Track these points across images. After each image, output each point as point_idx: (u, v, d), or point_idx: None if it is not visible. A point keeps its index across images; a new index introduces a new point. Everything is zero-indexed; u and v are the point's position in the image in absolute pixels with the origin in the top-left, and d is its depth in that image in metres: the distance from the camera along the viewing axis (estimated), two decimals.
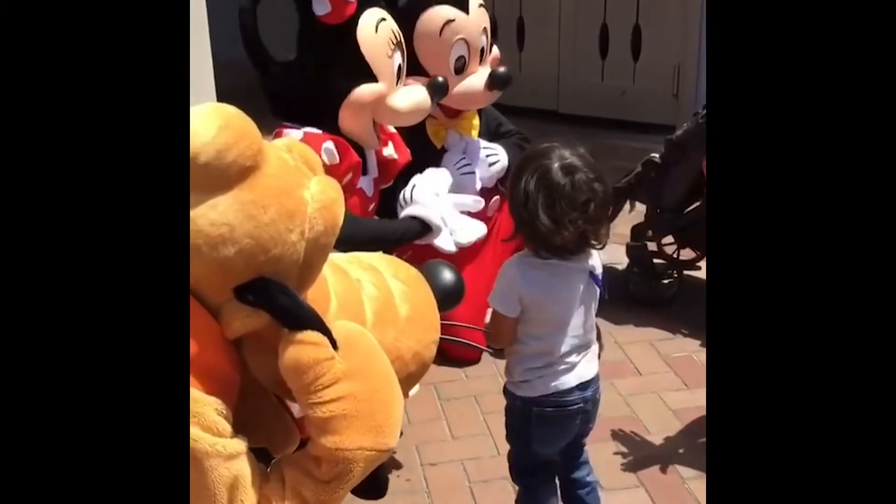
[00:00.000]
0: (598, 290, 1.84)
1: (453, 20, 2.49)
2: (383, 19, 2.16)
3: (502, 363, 2.68)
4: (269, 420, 1.54)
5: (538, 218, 1.70)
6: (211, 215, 1.28)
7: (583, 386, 1.85)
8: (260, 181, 1.32)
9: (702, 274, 3.04)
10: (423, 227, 2.22)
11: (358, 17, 2.11)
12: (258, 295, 1.33)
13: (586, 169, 1.73)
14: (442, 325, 1.66)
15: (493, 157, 2.66)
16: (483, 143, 2.70)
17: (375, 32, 2.13)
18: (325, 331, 1.35)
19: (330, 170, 2.04)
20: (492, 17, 4.84)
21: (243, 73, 2.39)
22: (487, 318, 1.87)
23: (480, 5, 2.58)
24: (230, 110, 1.35)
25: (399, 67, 2.21)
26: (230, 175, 1.29)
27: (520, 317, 1.80)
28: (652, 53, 4.68)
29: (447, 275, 1.72)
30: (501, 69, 2.60)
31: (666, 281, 3.05)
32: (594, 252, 1.82)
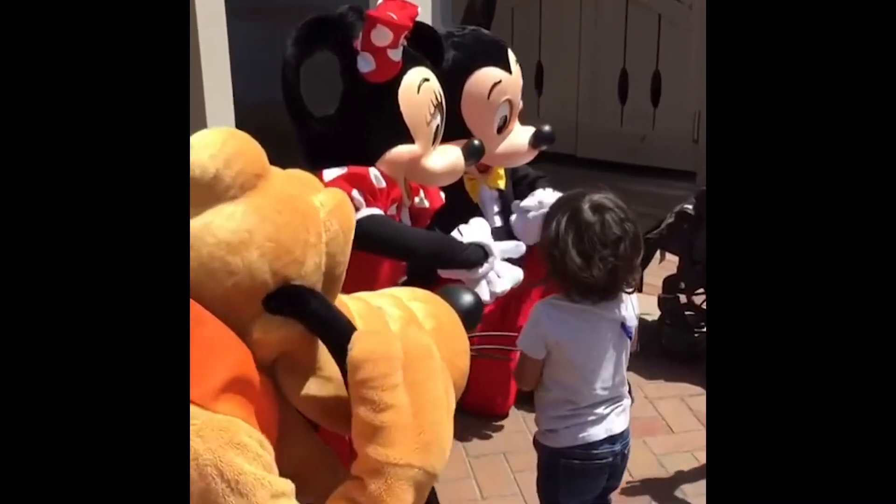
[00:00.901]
0: (629, 343, 1.82)
1: (500, 81, 2.46)
2: (426, 80, 2.13)
3: (531, 418, 2.64)
4: (318, 473, 1.49)
5: (568, 255, 1.71)
6: (229, 225, 1.29)
7: (612, 439, 1.82)
8: (270, 188, 1.35)
9: None
10: (484, 255, 2.20)
11: (402, 77, 2.08)
12: (288, 301, 1.33)
13: (617, 210, 1.75)
14: (470, 337, 1.66)
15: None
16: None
17: (417, 93, 2.10)
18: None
19: (377, 193, 2.05)
20: None
21: (268, 116, 2.35)
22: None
23: (517, 62, 2.54)
24: (232, 129, 1.39)
25: (437, 128, 2.18)
26: (240, 183, 1.31)
27: (546, 360, 1.79)
28: (672, 99, 4.65)
29: (466, 296, 1.74)
30: (546, 127, 2.57)
31: (698, 334, 2.98)
32: (628, 301, 1.81)
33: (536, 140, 2.56)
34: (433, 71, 2.17)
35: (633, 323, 1.81)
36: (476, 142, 2.27)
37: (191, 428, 1.17)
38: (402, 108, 2.08)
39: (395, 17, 2.03)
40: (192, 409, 1.20)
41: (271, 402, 1.35)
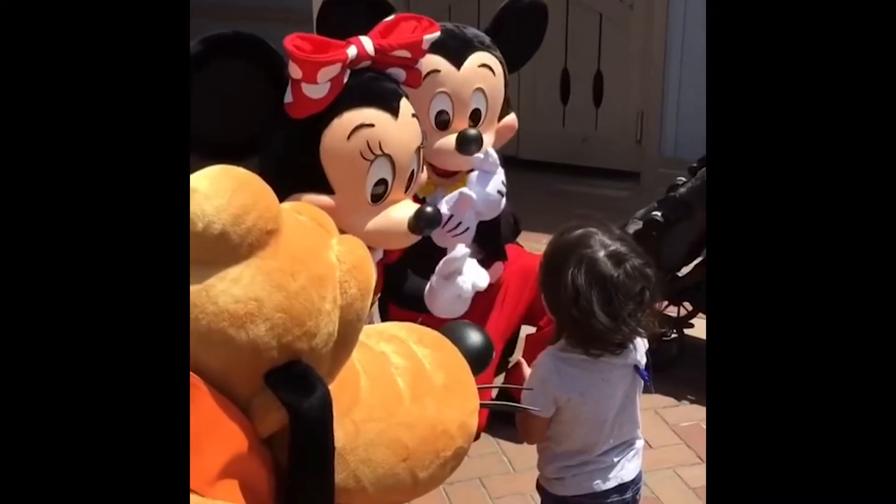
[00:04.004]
0: (643, 383, 1.71)
1: (438, 71, 2.29)
2: (368, 125, 1.79)
3: (505, 441, 2.53)
4: None
5: (594, 316, 1.54)
6: (234, 291, 1.11)
7: (622, 488, 1.70)
8: (283, 246, 1.16)
9: (700, 333, 2.92)
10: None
11: (333, 117, 1.77)
12: (289, 384, 1.16)
13: (633, 255, 1.60)
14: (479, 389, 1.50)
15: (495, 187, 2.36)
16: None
17: (346, 140, 1.77)
18: (330, 475, 1.21)
19: None
20: None
21: None
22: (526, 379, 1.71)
23: (484, 66, 2.38)
24: (241, 171, 1.18)
25: (382, 181, 1.84)
26: (250, 242, 1.13)
27: (554, 415, 1.65)
28: (614, 100, 4.61)
29: (474, 336, 1.57)
30: (471, 130, 2.33)
31: (666, 339, 2.91)
32: (639, 341, 1.68)
33: (459, 142, 2.32)
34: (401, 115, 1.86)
35: (644, 361, 1.69)
36: (429, 209, 1.90)
37: None
38: (323, 152, 1.78)
39: (357, 45, 1.77)
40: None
41: (269, 475, 1.21)
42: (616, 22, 4.50)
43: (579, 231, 1.62)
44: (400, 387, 1.36)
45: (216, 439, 1.11)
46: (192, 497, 1.06)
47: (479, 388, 1.51)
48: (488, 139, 2.41)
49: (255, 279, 1.13)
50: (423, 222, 1.88)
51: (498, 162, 2.38)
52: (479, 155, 2.33)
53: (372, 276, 1.26)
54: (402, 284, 2.23)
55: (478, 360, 1.51)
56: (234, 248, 1.12)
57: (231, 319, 1.11)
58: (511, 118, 2.55)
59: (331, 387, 1.23)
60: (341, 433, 1.24)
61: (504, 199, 2.39)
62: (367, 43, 1.82)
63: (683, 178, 2.83)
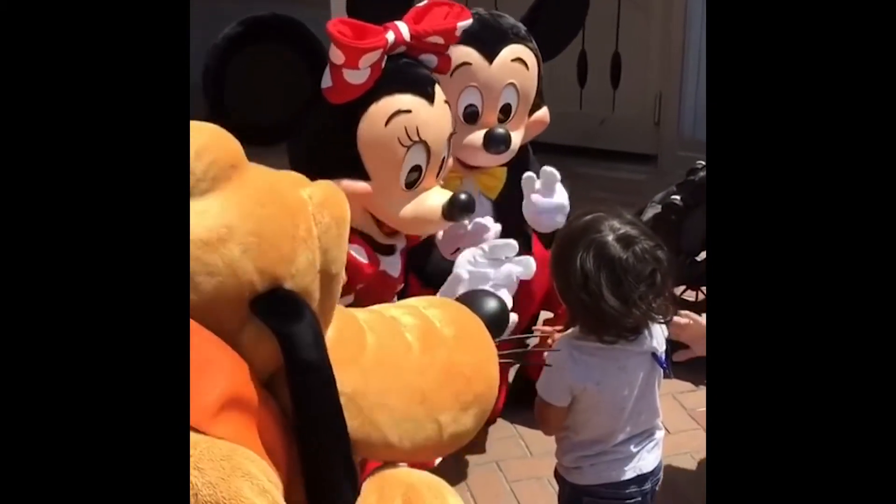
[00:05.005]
0: (661, 371, 1.70)
1: (470, 64, 2.27)
2: (405, 112, 1.82)
3: (522, 422, 2.52)
4: None
5: (604, 300, 1.53)
6: (203, 222, 1.15)
7: (641, 479, 1.70)
8: (249, 180, 1.21)
9: None
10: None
11: (370, 103, 1.80)
12: (277, 304, 1.18)
13: (643, 237, 1.59)
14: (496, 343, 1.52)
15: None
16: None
17: (384, 126, 1.80)
18: (334, 402, 1.20)
19: (362, 268, 1.82)
20: None
21: None
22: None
23: (517, 59, 2.34)
24: (198, 122, 1.24)
25: (419, 167, 1.88)
26: (213, 175, 1.17)
27: (571, 404, 1.65)
28: (632, 81, 4.56)
29: (489, 301, 1.59)
30: (499, 129, 2.31)
31: None
32: (655, 328, 1.67)
33: (487, 141, 2.30)
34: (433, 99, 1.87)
35: (662, 348, 1.68)
36: (462, 196, 1.92)
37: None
38: (360, 138, 1.81)
39: (393, 31, 1.78)
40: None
41: (275, 421, 1.20)
42: (635, 2, 4.45)
43: (589, 216, 1.62)
44: (409, 340, 1.38)
45: (213, 373, 1.11)
46: (195, 436, 1.05)
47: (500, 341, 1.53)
48: (517, 136, 2.38)
49: (223, 209, 1.16)
50: (458, 209, 1.90)
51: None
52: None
53: (345, 206, 1.28)
54: (427, 263, 2.23)
55: (494, 323, 1.52)
56: (196, 182, 1.15)
57: (204, 246, 1.14)
58: (542, 112, 2.51)
59: (331, 335, 1.25)
60: (348, 379, 1.25)
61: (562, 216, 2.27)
62: (404, 28, 1.82)
63: (703, 162, 2.80)
